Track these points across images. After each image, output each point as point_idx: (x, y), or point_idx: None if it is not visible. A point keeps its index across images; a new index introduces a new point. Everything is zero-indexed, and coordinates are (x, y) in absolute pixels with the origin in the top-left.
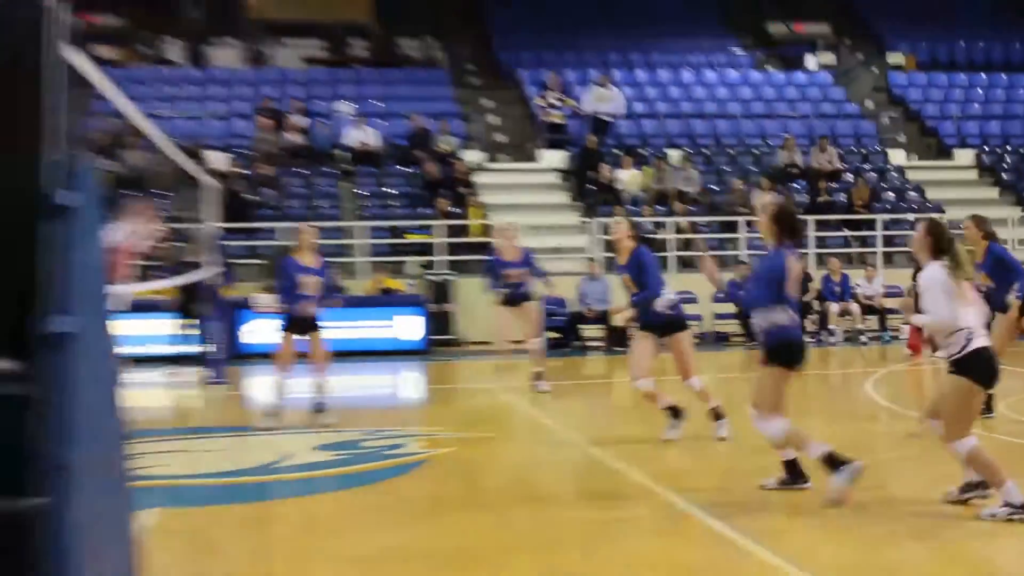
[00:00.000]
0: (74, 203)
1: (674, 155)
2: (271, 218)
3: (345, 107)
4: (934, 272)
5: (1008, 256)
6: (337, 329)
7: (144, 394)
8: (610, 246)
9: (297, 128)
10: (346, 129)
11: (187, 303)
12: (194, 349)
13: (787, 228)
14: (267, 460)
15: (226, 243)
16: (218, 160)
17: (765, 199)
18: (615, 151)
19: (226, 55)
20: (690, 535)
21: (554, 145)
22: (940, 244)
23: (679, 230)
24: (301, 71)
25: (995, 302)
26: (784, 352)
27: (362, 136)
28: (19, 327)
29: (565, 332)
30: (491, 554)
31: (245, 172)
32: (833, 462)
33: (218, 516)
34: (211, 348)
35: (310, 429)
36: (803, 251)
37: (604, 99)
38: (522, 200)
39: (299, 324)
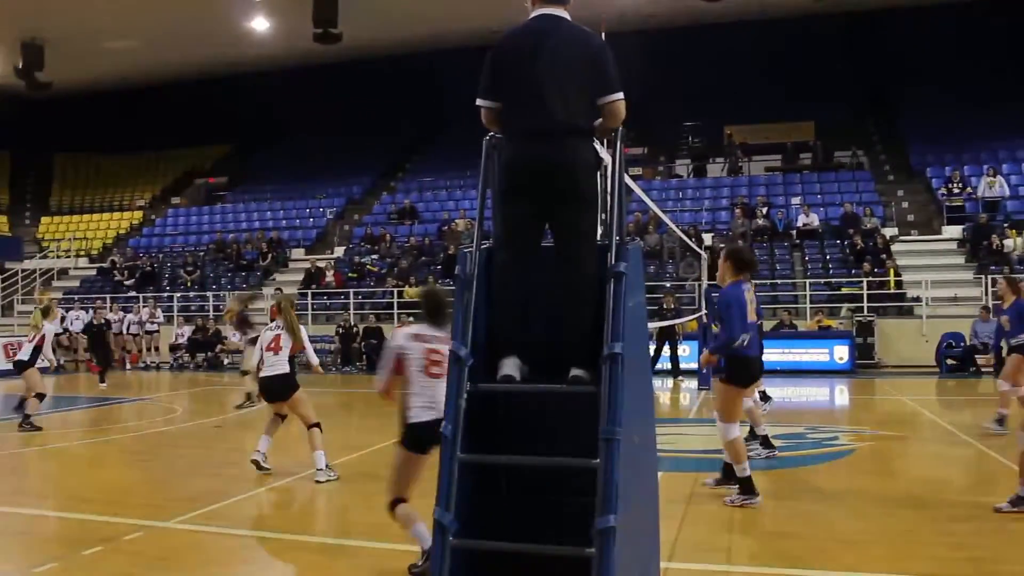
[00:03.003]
0: (625, 270)
1: None
2: None
3: (796, 200)
4: None
5: None
6: (788, 353)
7: (658, 394)
8: (997, 296)
9: (762, 215)
10: (797, 215)
11: (670, 335)
12: (691, 366)
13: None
14: None
15: (713, 294)
16: (708, 238)
17: None
18: (1004, 224)
19: (714, 169)
20: None
21: (952, 222)
22: None
23: None
24: (765, 177)
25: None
26: None
27: (807, 220)
28: (593, 349)
29: (963, 360)
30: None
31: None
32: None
33: (702, 480)
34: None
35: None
36: None
37: (992, 186)
38: (928, 262)
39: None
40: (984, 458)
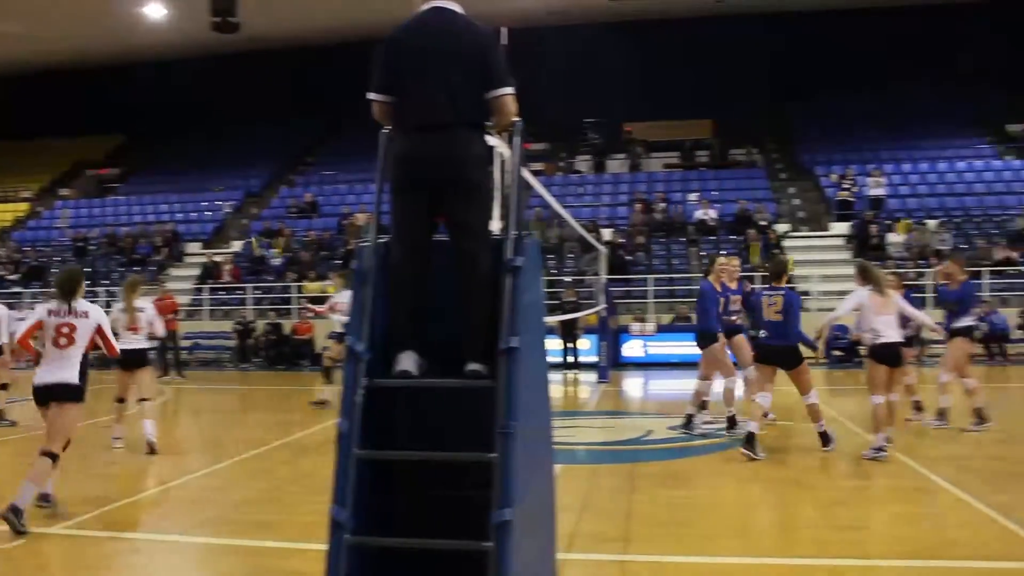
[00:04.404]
0: (521, 264)
1: (931, 223)
2: (642, 271)
3: (693, 196)
4: None
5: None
6: (684, 346)
7: (554, 388)
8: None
9: (660, 211)
10: (693, 211)
11: (572, 329)
12: (591, 359)
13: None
14: (636, 435)
15: (612, 289)
16: (607, 234)
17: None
18: (887, 221)
19: (614, 165)
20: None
21: (840, 219)
22: None
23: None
24: (663, 173)
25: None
26: None
27: (704, 215)
28: (490, 343)
29: (847, 352)
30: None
31: (625, 241)
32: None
33: (602, 471)
34: (601, 358)
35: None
36: None
37: (875, 186)
38: (817, 257)
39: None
40: (867, 444)
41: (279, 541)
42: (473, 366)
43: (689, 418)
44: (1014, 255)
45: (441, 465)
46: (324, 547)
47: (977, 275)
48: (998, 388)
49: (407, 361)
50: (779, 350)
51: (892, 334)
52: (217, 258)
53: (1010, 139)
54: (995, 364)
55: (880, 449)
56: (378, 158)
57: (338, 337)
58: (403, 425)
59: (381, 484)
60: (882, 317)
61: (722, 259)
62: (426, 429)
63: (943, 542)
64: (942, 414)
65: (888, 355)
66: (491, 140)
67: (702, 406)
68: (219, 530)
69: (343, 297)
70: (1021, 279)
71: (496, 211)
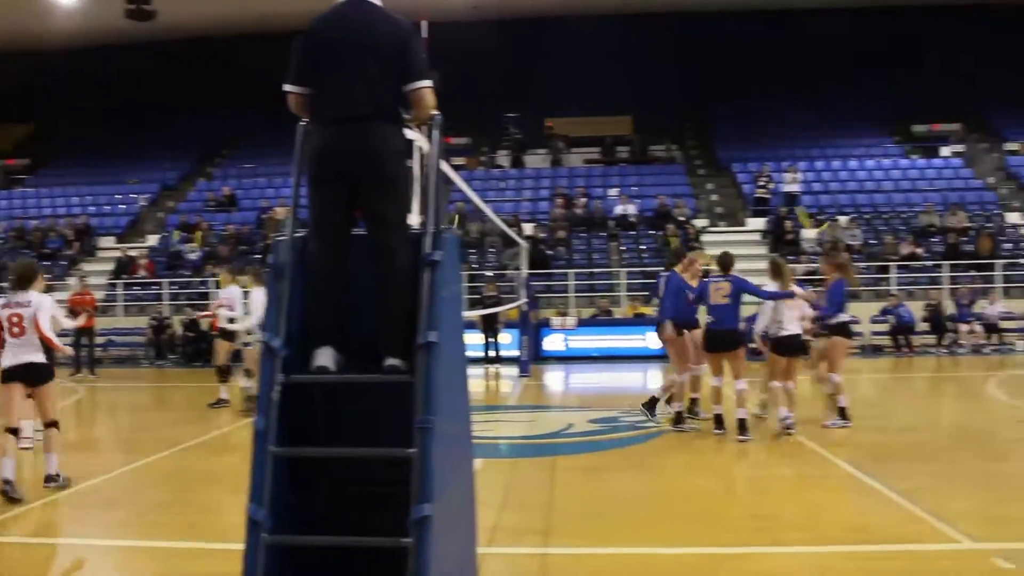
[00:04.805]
0: (440, 258)
1: (843, 219)
2: (562, 266)
3: (613, 191)
4: None
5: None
6: (604, 340)
7: (475, 382)
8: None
9: (581, 206)
10: (614, 206)
11: (493, 323)
12: (512, 353)
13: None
14: (557, 428)
15: (533, 283)
16: (528, 228)
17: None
18: (802, 217)
19: (535, 160)
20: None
21: (756, 214)
22: None
23: None
24: (584, 168)
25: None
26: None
27: (624, 210)
28: (409, 338)
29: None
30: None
31: (546, 235)
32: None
33: (523, 465)
34: (522, 352)
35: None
36: (940, 287)
37: (792, 182)
38: (734, 252)
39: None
40: (779, 435)
41: (196, 542)
42: (391, 361)
43: (653, 401)
44: (918, 251)
45: (360, 461)
46: (242, 547)
47: (885, 269)
48: (903, 379)
49: (325, 357)
50: (724, 334)
51: (794, 327)
52: (132, 252)
53: (916, 139)
54: (902, 356)
55: (787, 421)
56: (296, 150)
57: (226, 335)
58: (321, 422)
59: (299, 482)
60: (789, 311)
61: (693, 254)
62: (344, 426)
63: (855, 528)
64: (843, 413)
65: (791, 346)
66: (410, 134)
67: (670, 399)
68: (134, 532)
69: (229, 293)
70: (925, 273)
71: (415, 205)
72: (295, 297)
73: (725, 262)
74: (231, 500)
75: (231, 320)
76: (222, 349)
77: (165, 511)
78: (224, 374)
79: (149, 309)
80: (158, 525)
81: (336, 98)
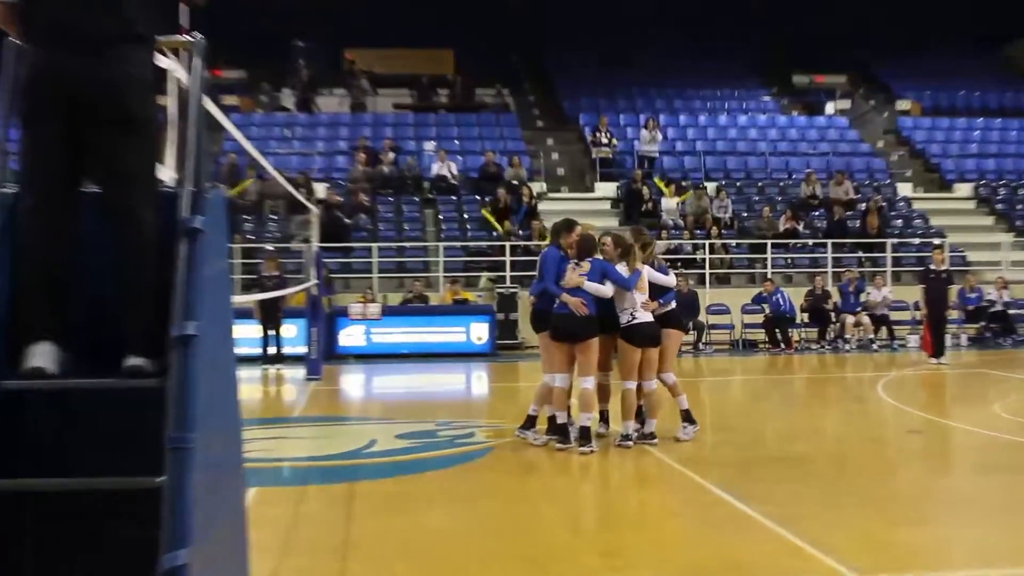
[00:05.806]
0: (203, 226)
1: (711, 187)
2: (365, 239)
3: (430, 145)
4: None
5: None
6: (417, 333)
7: (250, 388)
8: None
9: (388, 163)
10: (430, 164)
11: (274, 312)
12: (298, 350)
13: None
14: (356, 446)
15: (326, 260)
16: (321, 190)
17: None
18: (659, 183)
19: (330, 102)
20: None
21: (606, 178)
22: None
23: (713, 250)
24: (393, 115)
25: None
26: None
27: (443, 170)
28: (157, 331)
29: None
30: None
31: (343, 200)
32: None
33: (311, 494)
34: (311, 349)
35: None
36: (822, 270)
37: (650, 140)
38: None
39: None
40: (626, 449)
41: None
42: (133, 360)
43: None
44: (798, 226)
45: (91, 495)
46: None
47: (759, 248)
48: (779, 380)
49: (41, 355)
50: (574, 320)
51: (646, 314)
52: None
53: (796, 92)
54: (778, 353)
55: (627, 437)
56: (3, 79)
57: None
58: (36, 442)
59: (6, 524)
60: (639, 294)
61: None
62: (69, 447)
63: (725, 564)
64: (688, 416)
65: (646, 336)
66: (163, 61)
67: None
68: None
69: None
70: (807, 254)
71: (168, 156)
72: (1, 275)
73: (588, 247)
74: None
75: None
76: None
77: None
78: None
79: None
80: None
81: (56, 6)
